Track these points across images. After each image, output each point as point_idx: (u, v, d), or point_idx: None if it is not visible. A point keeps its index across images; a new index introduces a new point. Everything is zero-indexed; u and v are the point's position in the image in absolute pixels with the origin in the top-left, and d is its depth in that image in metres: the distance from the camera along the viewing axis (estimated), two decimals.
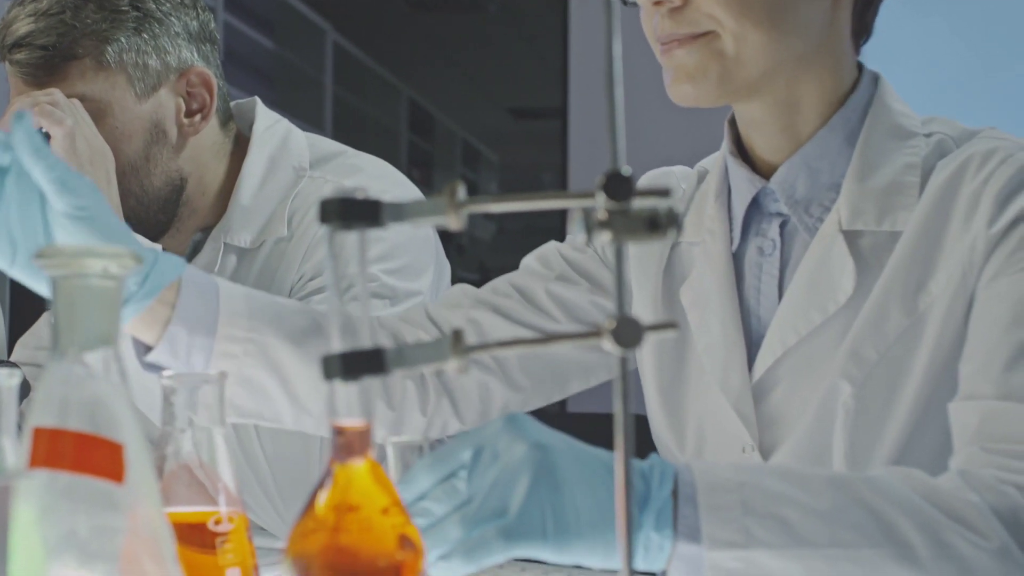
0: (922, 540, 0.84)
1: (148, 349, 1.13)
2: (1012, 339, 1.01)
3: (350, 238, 0.69)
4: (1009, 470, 0.91)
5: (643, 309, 1.28)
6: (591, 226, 0.66)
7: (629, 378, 0.67)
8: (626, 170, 0.65)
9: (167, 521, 0.78)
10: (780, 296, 1.19)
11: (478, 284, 1.34)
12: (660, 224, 0.65)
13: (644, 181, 1.35)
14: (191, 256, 1.53)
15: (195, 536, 0.89)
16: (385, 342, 1.17)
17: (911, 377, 1.10)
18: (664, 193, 0.66)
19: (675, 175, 1.35)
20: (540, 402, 1.34)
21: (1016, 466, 0.91)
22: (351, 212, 0.68)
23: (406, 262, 1.45)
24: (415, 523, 0.82)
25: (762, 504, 0.84)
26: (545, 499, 0.81)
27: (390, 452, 0.90)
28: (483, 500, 0.82)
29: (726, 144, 1.24)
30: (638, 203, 0.66)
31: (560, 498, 0.81)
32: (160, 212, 1.49)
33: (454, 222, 0.67)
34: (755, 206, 1.22)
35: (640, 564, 0.84)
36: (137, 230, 1.47)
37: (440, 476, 0.85)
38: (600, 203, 0.65)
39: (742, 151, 1.23)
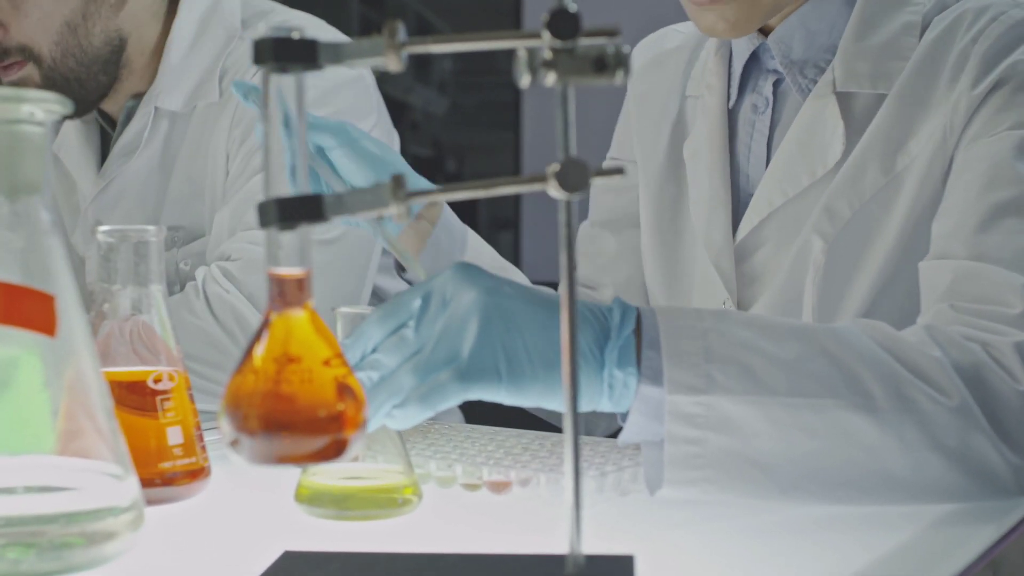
0: (883, 393, 0.83)
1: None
2: (987, 200, 1.00)
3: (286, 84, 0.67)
4: (976, 328, 0.90)
5: (650, 162, 1.28)
6: (536, 67, 0.64)
7: (575, 225, 0.65)
8: (571, 7, 0.63)
9: (103, 379, 0.77)
10: (768, 156, 1.18)
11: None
12: (607, 64, 0.63)
13: (647, 41, 1.35)
14: (125, 122, 1.50)
15: (135, 396, 0.88)
16: None
17: (883, 236, 1.10)
18: (612, 33, 0.64)
19: (678, 31, 1.34)
20: None
21: (983, 324, 0.91)
22: (286, 52, 0.65)
23: (341, 106, 1.41)
24: (368, 377, 0.81)
25: (725, 351, 0.82)
26: (497, 340, 0.79)
27: (339, 321, 0.88)
28: (434, 346, 0.80)
29: None
30: (585, 43, 0.64)
31: (512, 338, 0.79)
32: (101, 73, 1.45)
33: (393, 63, 0.64)
34: (754, 61, 1.21)
35: (606, 404, 0.82)
36: (79, 91, 1.43)
37: (390, 328, 0.82)
38: (546, 42, 0.63)
39: None
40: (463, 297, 0.80)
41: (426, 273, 1.08)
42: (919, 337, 0.88)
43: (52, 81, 1.42)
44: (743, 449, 0.82)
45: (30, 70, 1.41)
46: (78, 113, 1.47)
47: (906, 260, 1.08)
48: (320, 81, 1.39)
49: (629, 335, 0.82)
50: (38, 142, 0.71)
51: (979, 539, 0.79)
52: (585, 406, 0.81)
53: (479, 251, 1.20)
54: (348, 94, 1.44)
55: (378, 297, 1.58)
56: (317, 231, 1.39)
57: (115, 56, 1.45)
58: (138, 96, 1.49)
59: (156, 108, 1.46)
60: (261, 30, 1.17)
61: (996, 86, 1.05)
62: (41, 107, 0.70)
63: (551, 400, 0.79)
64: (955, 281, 0.97)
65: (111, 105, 1.51)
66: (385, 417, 0.80)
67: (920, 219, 1.08)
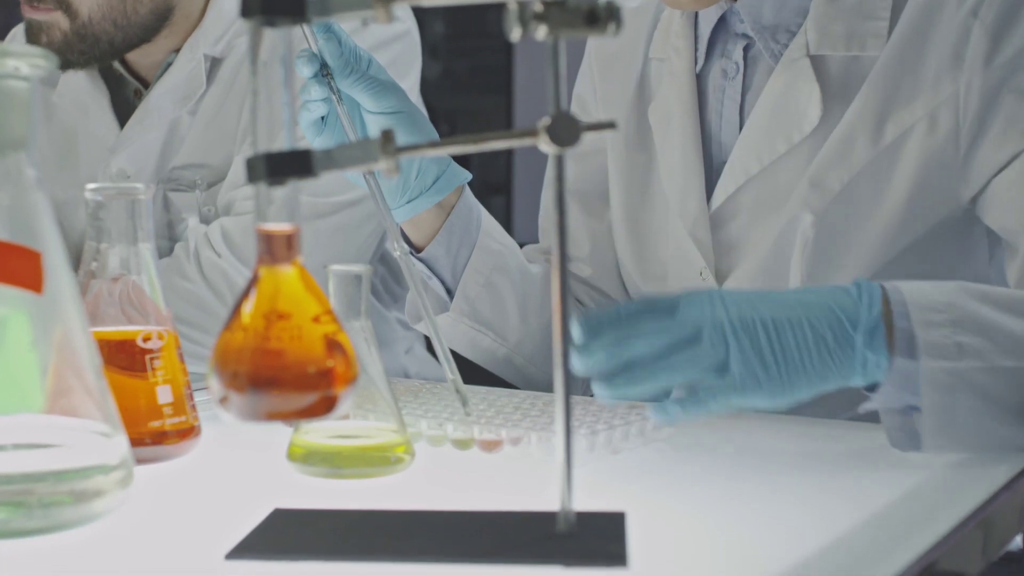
0: None
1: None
2: None
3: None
4: None
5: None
6: (527, 20, 0.63)
7: (566, 180, 0.65)
8: None
9: (92, 338, 0.76)
10: (742, 122, 1.16)
11: None
12: (599, 17, 0.63)
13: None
14: (161, 73, 1.48)
15: (124, 355, 0.87)
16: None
17: (879, 211, 1.09)
18: None
19: None
20: None
21: None
22: (273, 5, 0.64)
23: (386, 60, 1.38)
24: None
25: (971, 322, 0.86)
26: (758, 353, 0.82)
27: (330, 280, 0.87)
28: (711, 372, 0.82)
29: None
30: None
31: (770, 348, 0.82)
32: (137, 37, 1.43)
33: (382, 15, 0.63)
34: (722, 24, 1.18)
35: (858, 381, 0.85)
36: (107, 49, 1.42)
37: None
38: None
39: None
40: (716, 320, 0.82)
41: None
42: None
43: (82, 37, 1.40)
44: (990, 411, 0.86)
45: (58, 17, 1.39)
46: (95, 63, 1.45)
47: (904, 236, 1.08)
48: (368, 37, 1.37)
49: (877, 317, 0.85)
50: (23, 97, 0.70)
51: (969, 498, 0.79)
52: (837, 385, 0.85)
53: (490, 232, 1.21)
54: (396, 48, 1.43)
55: (386, 263, 1.57)
56: (341, 192, 1.39)
57: (158, 24, 1.44)
58: (178, 50, 1.47)
59: (204, 55, 1.45)
60: None
61: (1016, 64, 1.04)
62: (26, 62, 0.69)
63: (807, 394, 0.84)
64: None
65: (141, 57, 1.49)
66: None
67: (920, 196, 1.07)
